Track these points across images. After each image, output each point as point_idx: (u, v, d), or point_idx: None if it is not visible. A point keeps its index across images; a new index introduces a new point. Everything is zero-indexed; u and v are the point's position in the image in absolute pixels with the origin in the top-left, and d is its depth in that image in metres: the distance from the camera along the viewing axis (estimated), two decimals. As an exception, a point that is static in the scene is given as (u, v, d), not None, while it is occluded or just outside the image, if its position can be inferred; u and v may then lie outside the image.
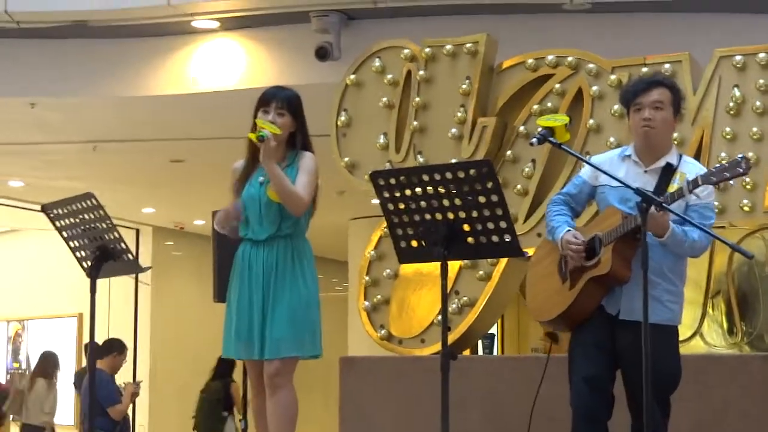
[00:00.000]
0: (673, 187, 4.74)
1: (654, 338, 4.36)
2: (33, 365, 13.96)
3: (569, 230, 4.87)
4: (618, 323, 4.78)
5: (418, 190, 4.33)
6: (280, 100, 5.26)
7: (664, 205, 4.51)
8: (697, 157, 6.55)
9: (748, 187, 6.42)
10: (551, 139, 4.69)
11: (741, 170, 4.49)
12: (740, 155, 4.60)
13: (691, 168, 4.86)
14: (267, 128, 5.09)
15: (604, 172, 4.78)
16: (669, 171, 4.83)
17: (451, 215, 4.31)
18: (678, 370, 4.80)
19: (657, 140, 4.85)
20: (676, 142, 6.57)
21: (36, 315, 17.46)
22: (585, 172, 5.05)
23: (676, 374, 4.79)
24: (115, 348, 9.81)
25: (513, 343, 17.46)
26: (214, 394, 12.52)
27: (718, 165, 4.66)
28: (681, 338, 6.20)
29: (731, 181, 5.14)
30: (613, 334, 4.80)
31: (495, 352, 14.46)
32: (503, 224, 4.28)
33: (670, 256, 4.76)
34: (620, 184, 4.74)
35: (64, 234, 5.21)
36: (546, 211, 5.09)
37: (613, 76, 6.81)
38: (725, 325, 6.31)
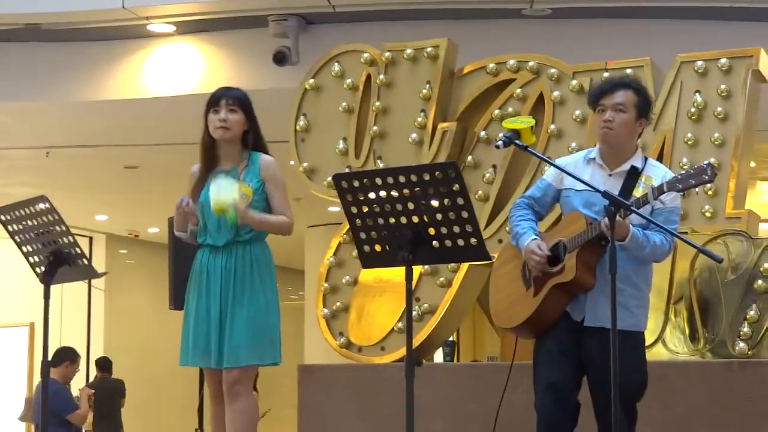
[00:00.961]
0: (638, 191, 4.68)
1: (620, 344, 4.30)
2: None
3: (534, 239, 4.79)
4: (583, 330, 4.72)
5: (382, 193, 4.24)
6: (229, 98, 5.21)
7: (632, 208, 4.45)
8: (658, 162, 6.53)
9: (710, 192, 6.39)
10: (517, 141, 4.62)
11: (707, 177, 4.45)
12: (706, 162, 4.55)
13: (656, 171, 4.81)
14: (225, 202, 4.95)
15: (572, 176, 4.71)
16: (634, 174, 4.78)
17: (415, 219, 4.22)
18: (644, 376, 4.74)
19: (617, 142, 4.79)
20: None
21: (-15, 324, 17.22)
22: (549, 174, 4.98)
23: (643, 380, 4.73)
24: (67, 357, 9.67)
25: (469, 350, 17.42)
26: None
27: (683, 171, 4.60)
28: (644, 344, 6.19)
29: (696, 188, 5.10)
30: (578, 340, 4.74)
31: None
32: (469, 228, 4.20)
33: (635, 260, 4.71)
34: (585, 188, 4.68)
35: (17, 239, 5.08)
36: (509, 215, 5.01)
37: (574, 81, 6.77)
38: (687, 331, 6.26)
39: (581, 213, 4.73)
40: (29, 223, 4.99)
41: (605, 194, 4.43)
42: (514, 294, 4.91)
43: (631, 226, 4.59)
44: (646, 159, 4.88)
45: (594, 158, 4.86)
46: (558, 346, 4.74)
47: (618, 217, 4.45)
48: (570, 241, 4.70)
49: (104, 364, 13.35)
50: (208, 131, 5.20)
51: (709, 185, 6.27)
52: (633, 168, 4.78)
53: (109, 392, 12.87)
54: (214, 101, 5.22)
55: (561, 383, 4.70)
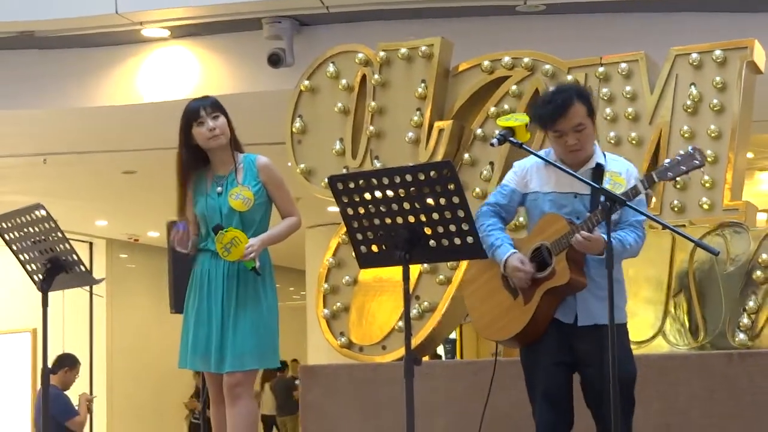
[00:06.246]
0: (609, 188, 4.62)
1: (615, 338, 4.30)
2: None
3: (514, 252, 4.71)
4: (575, 331, 4.69)
5: (377, 193, 4.23)
6: (207, 106, 5.19)
7: (628, 203, 4.43)
8: (655, 156, 6.53)
9: (707, 185, 6.40)
10: (512, 139, 4.61)
11: (698, 162, 4.40)
12: (691, 147, 4.52)
13: (619, 165, 4.76)
14: (238, 252, 5.02)
15: (574, 175, 4.55)
16: (599, 172, 4.73)
17: (411, 218, 4.21)
18: (635, 364, 4.73)
19: (584, 155, 4.73)
20: (634, 142, 6.56)
21: (-13, 331, 17.20)
22: (511, 179, 4.89)
23: (635, 370, 4.72)
24: (66, 363, 9.65)
25: (472, 347, 17.43)
26: None
27: (669, 159, 4.56)
28: (644, 338, 6.20)
29: (688, 176, 5.05)
30: (569, 343, 4.70)
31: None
32: (465, 226, 4.19)
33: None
34: (553, 190, 4.66)
35: (14, 247, 5.09)
36: (477, 225, 4.88)
37: (569, 77, 6.76)
38: (687, 324, 6.26)
39: (559, 214, 4.69)
40: (26, 231, 5.00)
41: (603, 191, 4.40)
42: (499, 305, 4.82)
43: (603, 236, 4.47)
44: (604, 154, 4.81)
45: (555, 160, 4.74)
46: (549, 355, 4.69)
47: (590, 234, 4.44)
48: (554, 244, 4.65)
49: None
50: (188, 145, 5.19)
51: (705, 177, 6.32)
52: (598, 165, 4.73)
53: None
54: (193, 114, 5.17)
55: (557, 393, 4.67)
